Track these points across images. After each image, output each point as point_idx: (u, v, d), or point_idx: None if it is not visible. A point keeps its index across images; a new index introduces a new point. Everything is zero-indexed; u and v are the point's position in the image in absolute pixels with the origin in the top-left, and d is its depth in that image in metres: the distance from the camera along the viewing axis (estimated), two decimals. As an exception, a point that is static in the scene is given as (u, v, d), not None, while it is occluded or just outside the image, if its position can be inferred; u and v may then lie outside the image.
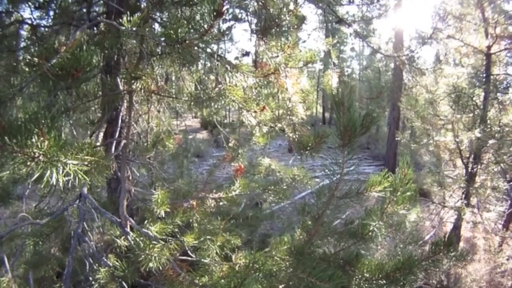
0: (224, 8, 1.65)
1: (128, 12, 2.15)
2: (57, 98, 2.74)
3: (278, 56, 2.46)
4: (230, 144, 3.45)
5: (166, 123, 4.34)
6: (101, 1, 3.95)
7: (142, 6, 3.56)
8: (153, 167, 4.21)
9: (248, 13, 3.08)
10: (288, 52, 2.46)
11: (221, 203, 2.83)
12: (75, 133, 3.98)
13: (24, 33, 3.80)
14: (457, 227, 6.64)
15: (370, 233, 2.39)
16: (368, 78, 22.68)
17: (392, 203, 2.24)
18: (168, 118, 4.59)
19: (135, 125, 3.98)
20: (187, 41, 1.78)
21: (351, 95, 1.78)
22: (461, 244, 7.50)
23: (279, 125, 2.73)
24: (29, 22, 3.58)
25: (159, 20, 3.73)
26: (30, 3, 3.66)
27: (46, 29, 3.72)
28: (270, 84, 2.64)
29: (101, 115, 3.55)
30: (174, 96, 3.01)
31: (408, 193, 2.23)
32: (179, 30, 1.76)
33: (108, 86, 3.13)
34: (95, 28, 3.16)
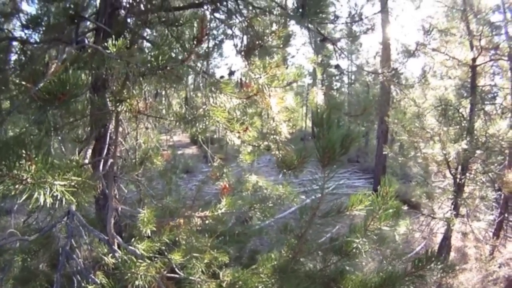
0: (204, 37, 1.69)
1: (114, 36, 2.19)
2: (46, 116, 2.76)
3: (261, 77, 2.50)
4: (215, 164, 3.47)
5: (154, 140, 4.36)
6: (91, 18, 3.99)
7: (131, 23, 3.62)
8: (141, 184, 4.22)
9: (234, 33, 3.13)
10: (270, 73, 2.50)
11: (207, 222, 2.85)
12: (63, 149, 3.99)
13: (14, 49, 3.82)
14: (447, 237, 6.69)
15: (354, 250, 2.41)
16: (357, 92, 22.84)
17: (375, 220, 2.27)
18: (157, 134, 4.60)
19: (123, 142, 3.99)
20: (168, 67, 1.82)
21: (330, 116, 1.82)
22: (452, 254, 7.55)
23: (264, 143, 2.76)
24: (19, 38, 3.61)
25: (148, 38, 3.79)
26: (20, 20, 3.69)
27: (36, 45, 3.75)
28: (256, 103, 2.67)
29: (89, 133, 3.56)
30: (160, 116, 3.04)
31: (391, 210, 2.26)
32: (160, 58, 1.80)
33: (96, 105, 3.16)
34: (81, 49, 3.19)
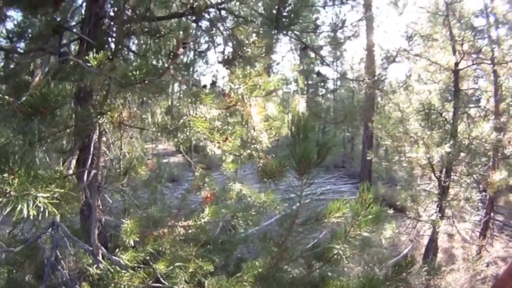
0: (180, 51, 1.72)
1: (96, 47, 2.20)
2: (29, 127, 2.76)
3: (240, 87, 2.53)
4: (197, 174, 3.49)
5: (139, 149, 4.35)
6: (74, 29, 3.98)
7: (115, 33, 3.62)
8: (126, 194, 4.21)
9: (215, 42, 3.16)
10: (250, 82, 2.53)
11: (190, 231, 2.86)
12: (48, 160, 3.97)
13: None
14: (433, 240, 6.76)
15: (335, 256, 2.44)
16: (342, 98, 22.91)
17: (355, 226, 2.31)
18: (141, 143, 4.59)
19: (107, 151, 3.99)
20: (146, 81, 1.84)
21: (307, 126, 1.85)
22: (440, 255, 7.62)
23: (246, 152, 2.78)
24: (5, 47, 3.60)
25: (131, 48, 3.80)
26: (6, 29, 3.68)
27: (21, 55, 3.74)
28: (236, 112, 2.70)
29: (73, 143, 3.56)
30: (141, 127, 3.05)
31: (371, 216, 2.29)
32: (137, 72, 1.82)
33: (79, 116, 3.16)
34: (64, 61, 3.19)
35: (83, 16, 3.68)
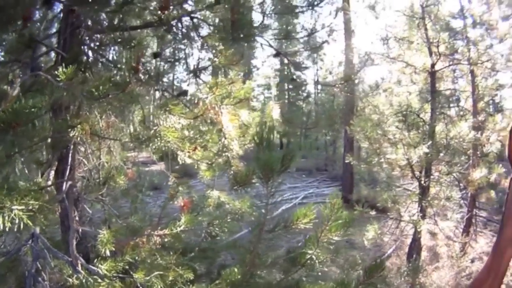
0: (140, 67, 1.75)
1: (68, 60, 2.22)
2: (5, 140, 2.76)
3: (207, 97, 2.56)
4: (170, 183, 3.50)
5: (118, 158, 4.34)
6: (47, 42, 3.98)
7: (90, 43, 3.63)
8: (106, 204, 4.20)
9: (186, 53, 3.19)
10: (217, 92, 2.56)
11: (166, 240, 2.87)
12: (27, 171, 3.95)
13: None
14: (416, 239, 6.83)
15: (309, 261, 2.48)
16: (323, 102, 22.99)
17: (325, 231, 2.34)
18: (121, 152, 4.58)
19: (85, 161, 3.98)
20: (110, 96, 1.86)
21: (270, 135, 1.89)
22: (424, 254, 7.69)
23: (218, 160, 2.81)
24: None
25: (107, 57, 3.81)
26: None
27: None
28: (206, 121, 2.73)
29: (51, 155, 3.55)
30: (114, 138, 3.07)
31: (340, 221, 2.33)
32: (101, 88, 1.84)
33: (54, 129, 3.16)
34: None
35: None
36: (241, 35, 2.10)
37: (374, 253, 9.20)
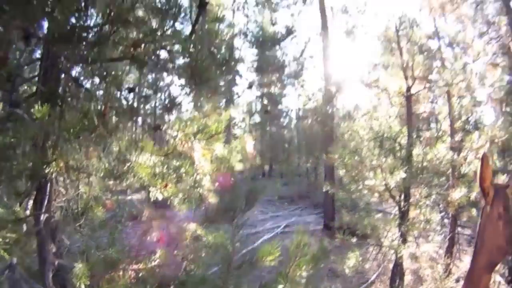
0: (108, 113, 1.79)
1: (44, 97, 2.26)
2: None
3: (177, 134, 2.60)
4: (144, 218, 3.51)
5: (97, 188, 4.32)
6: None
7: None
8: (84, 235, 4.17)
9: (159, 88, 3.25)
10: (188, 130, 2.61)
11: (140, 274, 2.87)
12: (5, 199, 3.93)
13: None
14: (397, 264, 6.86)
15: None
16: (304, 128, 23.06)
17: (293, 267, 2.37)
18: (99, 182, 4.57)
19: (64, 191, 3.96)
20: (81, 137, 1.90)
21: (234, 176, 1.94)
22: (409, 277, 7.71)
23: (190, 195, 2.83)
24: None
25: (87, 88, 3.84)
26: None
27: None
28: (178, 157, 2.77)
29: (30, 185, 3.55)
30: (89, 172, 3.08)
31: (307, 257, 2.36)
32: (73, 129, 1.88)
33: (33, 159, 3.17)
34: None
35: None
36: (202, 79, 2.18)
37: (357, 280, 9.19)
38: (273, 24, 22.22)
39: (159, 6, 2.95)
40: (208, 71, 2.25)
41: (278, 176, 29.94)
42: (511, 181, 3.52)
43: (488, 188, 2.50)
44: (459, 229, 8.68)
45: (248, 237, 12.94)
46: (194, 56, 2.46)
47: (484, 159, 2.49)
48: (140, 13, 3.14)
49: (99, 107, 2.02)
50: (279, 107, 29.00)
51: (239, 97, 25.79)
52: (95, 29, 3.32)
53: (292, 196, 21.13)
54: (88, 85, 4.00)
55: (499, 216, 2.42)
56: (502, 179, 6.52)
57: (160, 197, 2.57)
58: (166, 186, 2.50)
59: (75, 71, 3.69)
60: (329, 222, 13.53)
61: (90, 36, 3.38)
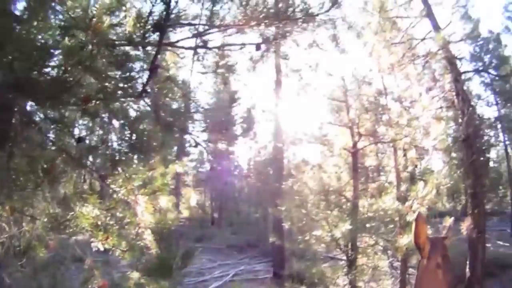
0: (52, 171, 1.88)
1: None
2: None
3: (120, 190, 2.69)
4: (86, 267, 3.49)
5: (40, 227, 4.24)
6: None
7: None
8: (25, 275, 4.07)
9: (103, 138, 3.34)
10: (129, 186, 2.71)
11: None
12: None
13: None
14: (348, 311, 6.97)
15: None
16: (253, 179, 23.27)
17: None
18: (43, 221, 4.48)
19: (7, 228, 3.89)
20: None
21: (170, 234, 2.05)
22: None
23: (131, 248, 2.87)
24: None
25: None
26: None
27: None
28: (125, 209, 2.85)
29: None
30: (33, 216, 3.10)
31: None
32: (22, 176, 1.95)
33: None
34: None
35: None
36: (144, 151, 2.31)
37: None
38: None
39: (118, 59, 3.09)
40: (150, 142, 2.38)
41: (228, 225, 29.99)
42: (449, 233, 3.72)
43: (423, 244, 2.65)
44: (410, 270, 8.92)
45: (195, 286, 12.80)
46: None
47: (418, 219, 2.67)
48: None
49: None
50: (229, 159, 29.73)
51: (190, 146, 26.03)
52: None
53: (242, 245, 21.12)
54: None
55: (437, 266, 2.58)
56: (449, 221, 6.91)
57: (101, 248, 2.62)
58: (107, 238, 2.56)
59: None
60: (279, 270, 13.54)
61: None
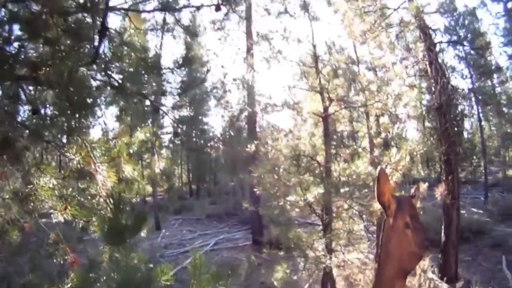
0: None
1: None
2: None
3: (75, 157, 2.69)
4: (50, 241, 3.48)
5: (14, 211, 4.21)
6: None
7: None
8: (2, 260, 4.05)
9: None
10: (84, 153, 2.70)
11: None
12: None
13: None
14: (327, 272, 7.14)
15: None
16: (232, 142, 23.41)
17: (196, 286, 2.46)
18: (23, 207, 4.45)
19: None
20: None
21: (120, 199, 2.07)
22: (342, 283, 8.01)
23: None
24: None
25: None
26: None
27: None
28: (86, 179, 2.85)
29: None
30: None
31: (207, 275, 2.47)
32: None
33: None
34: None
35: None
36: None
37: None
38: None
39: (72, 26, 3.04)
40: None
41: (206, 195, 30.27)
42: (417, 191, 3.59)
43: (388, 201, 2.51)
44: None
45: (177, 257, 12.96)
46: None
47: (380, 175, 2.50)
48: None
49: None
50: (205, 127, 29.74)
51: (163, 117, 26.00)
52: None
53: (220, 214, 21.41)
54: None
55: (406, 225, 2.42)
56: (423, 186, 7.12)
57: (61, 219, 2.63)
58: (65, 208, 2.56)
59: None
60: (258, 237, 13.83)
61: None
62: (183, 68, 3.49)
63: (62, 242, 3.15)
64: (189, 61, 3.28)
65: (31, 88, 3.32)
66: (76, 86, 2.57)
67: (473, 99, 26.05)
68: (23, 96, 3.28)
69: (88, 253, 3.79)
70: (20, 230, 3.99)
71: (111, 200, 2.03)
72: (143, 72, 3.23)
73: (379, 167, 3.43)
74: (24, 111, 3.29)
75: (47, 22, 2.94)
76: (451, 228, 9.87)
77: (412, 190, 3.05)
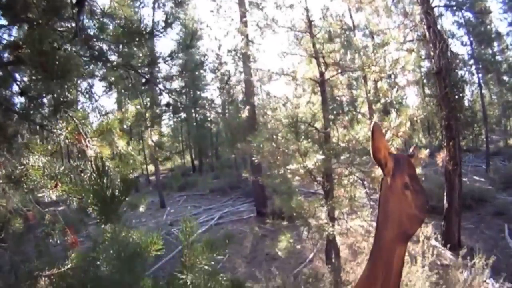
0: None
1: None
2: None
3: (62, 132, 2.62)
4: (46, 222, 3.46)
5: (15, 200, 4.18)
6: None
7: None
8: (7, 249, 4.04)
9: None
10: (70, 127, 2.63)
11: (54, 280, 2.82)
12: None
13: None
14: (330, 240, 7.16)
15: (183, 286, 2.51)
16: (231, 119, 23.39)
17: (189, 255, 2.43)
18: (21, 193, 4.41)
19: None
20: None
21: (104, 165, 2.01)
22: (346, 252, 8.08)
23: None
24: None
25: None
26: None
27: None
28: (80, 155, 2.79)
29: None
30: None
31: (200, 244, 2.43)
32: None
33: None
34: None
35: None
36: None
37: (295, 260, 9.57)
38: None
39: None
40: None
41: (209, 170, 30.42)
42: (415, 151, 3.34)
43: (384, 158, 2.36)
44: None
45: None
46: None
47: (374, 130, 2.32)
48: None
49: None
50: (203, 101, 29.64)
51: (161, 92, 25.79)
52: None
53: (224, 188, 21.60)
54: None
55: (405, 186, 2.29)
56: (425, 153, 7.05)
57: (54, 197, 2.58)
58: (56, 186, 2.51)
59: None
60: (262, 208, 14.00)
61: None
62: (166, 33, 3.36)
63: (59, 222, 3.12)
64: (169, 25, 3.16)
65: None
66: (60, 63, 2.48)
67: (473, 66, 25.85)
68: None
69: (91, 234, 3.80)
70: (24, 219, 3.97)
71: (94, 166, 1.96)
72: (125, 41, 3.12)
73: (373, 121, 3.18)
74: (11, 95, 3.23)
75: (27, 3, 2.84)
76: (454, 194, 9.90)
77: (411, 150, 2.86)
